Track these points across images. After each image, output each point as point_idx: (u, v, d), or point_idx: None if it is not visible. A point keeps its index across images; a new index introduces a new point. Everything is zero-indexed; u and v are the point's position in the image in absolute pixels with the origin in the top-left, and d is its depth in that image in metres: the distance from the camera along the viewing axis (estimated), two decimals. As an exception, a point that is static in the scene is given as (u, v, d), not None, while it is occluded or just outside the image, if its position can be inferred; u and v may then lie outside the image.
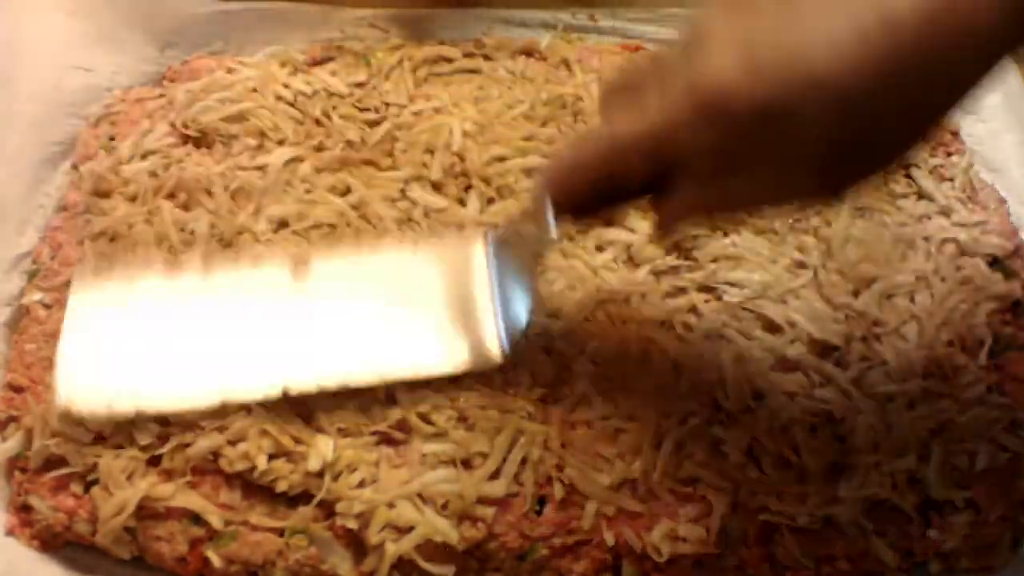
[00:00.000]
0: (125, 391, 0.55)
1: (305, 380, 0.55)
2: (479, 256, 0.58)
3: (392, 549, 0.53)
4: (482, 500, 0.54)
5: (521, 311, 0.55)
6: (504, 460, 0.55)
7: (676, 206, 0.46)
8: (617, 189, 0.47)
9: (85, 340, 0.56)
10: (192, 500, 0.54)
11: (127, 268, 0.60)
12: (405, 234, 0.63)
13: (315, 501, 0.54)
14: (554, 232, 0.49)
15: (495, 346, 0.56)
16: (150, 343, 0.56)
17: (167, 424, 0.55)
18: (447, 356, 0.56)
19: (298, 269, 0.59)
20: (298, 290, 0.58)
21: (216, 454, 0.55)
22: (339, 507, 0.54)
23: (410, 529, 0.53)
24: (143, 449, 0.55)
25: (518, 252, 0.55)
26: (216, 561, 0.54)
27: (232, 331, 0.57)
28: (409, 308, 0.57)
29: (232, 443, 0.54)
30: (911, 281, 0.63)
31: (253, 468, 0.54)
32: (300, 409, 0.56)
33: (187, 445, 0.55)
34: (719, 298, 0.62)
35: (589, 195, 0.48)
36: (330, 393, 0.56)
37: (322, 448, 0.55)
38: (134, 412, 0.54)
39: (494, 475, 0.55)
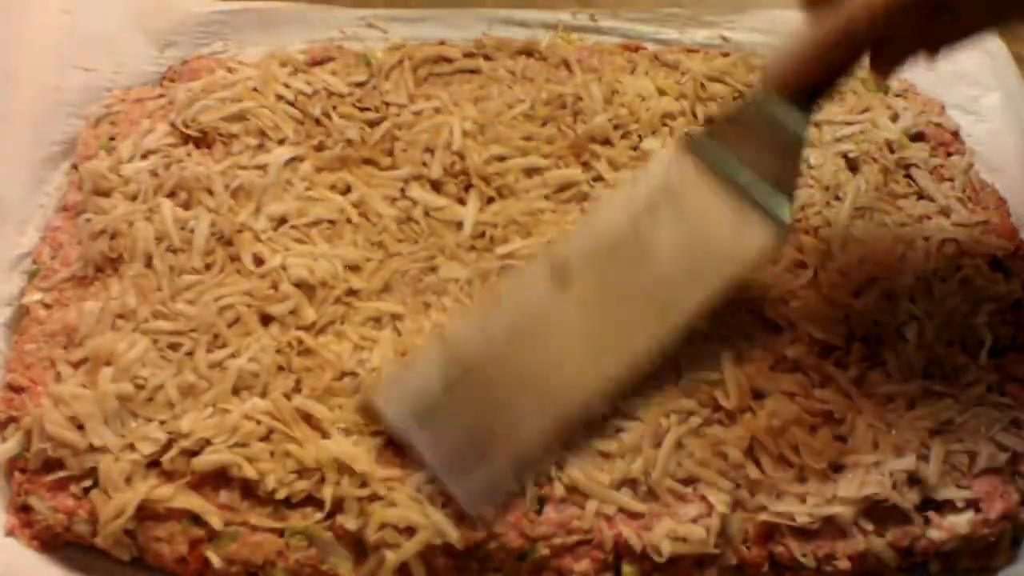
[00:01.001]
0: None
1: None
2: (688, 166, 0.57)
3: (392, 557, 0.53)
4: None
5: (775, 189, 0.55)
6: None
7: (895, 52, 0.53)
8: (847, 63, 0.53)
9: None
10: (192, 501, 0.54)
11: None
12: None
13: (326, 509, 0.54)
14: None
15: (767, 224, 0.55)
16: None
17: (173, 434, 0.56)
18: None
19: (557, 277, 0.57)
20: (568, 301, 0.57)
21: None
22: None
23: (409, 529, 0.53)
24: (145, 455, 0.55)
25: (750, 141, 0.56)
26: (216, 562, 0.54)
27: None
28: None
29: (242, 460, 0.55)
30: (911, 281, 0.63)
31: (260, 481, 0.54)
32: (303, 412, 0.56)
33: (192, 453, 0.55)
34: (719, 298, 0.62)
35: (822, 75, 0.53)
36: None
37: (323, 450, 0.55)
38: None
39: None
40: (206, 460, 0.55)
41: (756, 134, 0.55)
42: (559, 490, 0.55)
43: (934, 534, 0.56)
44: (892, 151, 0.71)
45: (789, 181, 0.56)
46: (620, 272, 0.57)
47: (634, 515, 0.55)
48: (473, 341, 0.56)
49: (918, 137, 0.73)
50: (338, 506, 0.54)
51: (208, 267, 0.62)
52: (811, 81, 0.53)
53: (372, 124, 0.70)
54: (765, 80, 0.55)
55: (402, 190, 0.66)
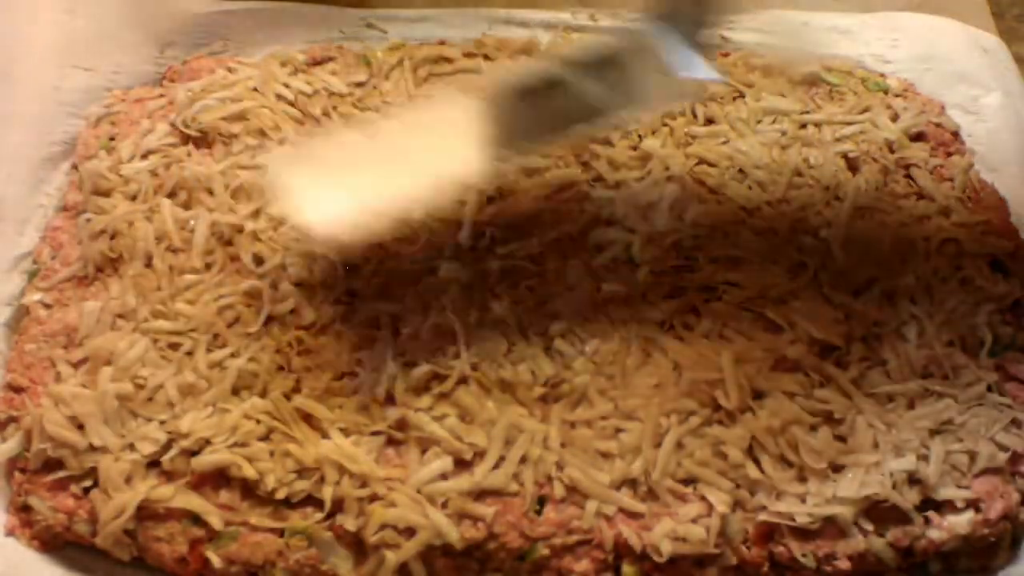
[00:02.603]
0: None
1: None
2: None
3: (392, 557, 0.53)
4: (483, 494, 0.55)
5: None
6: (503, 456, 0.55)
7: None
8: None
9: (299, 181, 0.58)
10: (192, 501, 0.54)
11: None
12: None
13: (326, 509, 0.54)
14: None
15: None
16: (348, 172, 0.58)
17: (173, 434, 0.56)
18: None
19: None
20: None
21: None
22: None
23: (409, 530, 0.53)
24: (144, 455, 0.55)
25: None
26: (216, 562, 0.54)
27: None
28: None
29: (242, 460, 0.55)
30: (911, 281, 0.63)
31: (259, 480, 0.54)
32: (303, 412, 0.57)
33: (192, 452, 0.55)
34: (719, 298, 0.62)
35: None
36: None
37: (323, 450, 0.55)
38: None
39: (493, 468, 0.55)
40: (206, 460, 0.55)
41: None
42: (559, 490, 0.55)
43: (934, 534, 0.56)
44: (892, 151, 0.71)
45: None
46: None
47: (634, 515, 0.55)
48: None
49: (918, 137, 0.73)
50: (338, 506, 0.54)
51: (208, 267, 0.62)
52: None
53: (372, 124, 0.70)
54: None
55: (402, 190, 0.66)
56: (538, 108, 0.59)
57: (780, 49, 0.78)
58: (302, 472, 0.55)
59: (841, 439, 0.57)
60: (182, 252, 0.63)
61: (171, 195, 0.65)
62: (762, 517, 0.55)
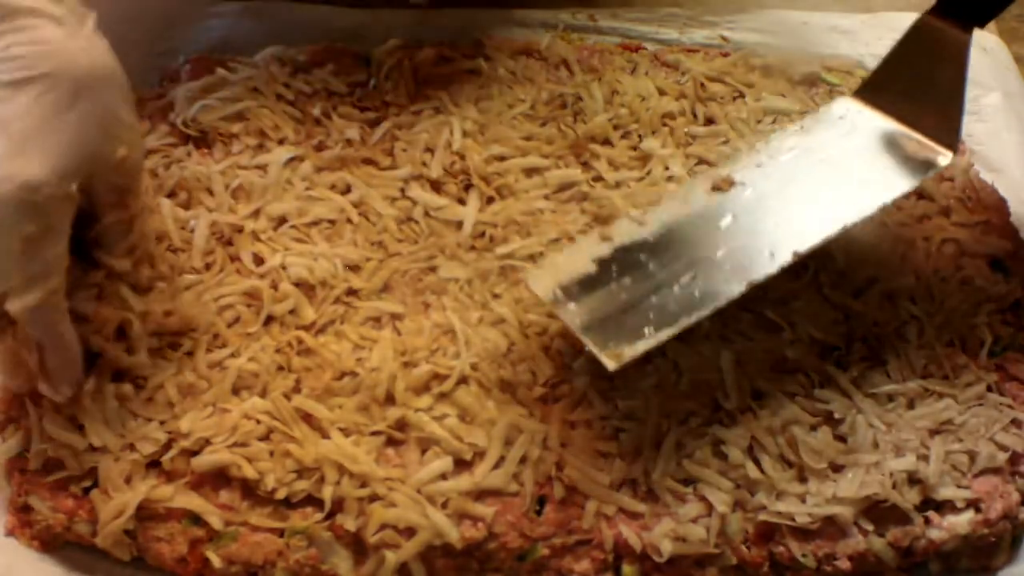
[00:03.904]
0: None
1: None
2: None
3: (392, 557, 0.53)
4: (483, 494, 0.55)
5: None
6: (503, 456, 0.55)
7: None
8: None
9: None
10: (192, 501, 0.54)
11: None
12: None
13: (326, 509, 0.54)
14: None
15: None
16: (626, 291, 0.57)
17: (173, 434, 0.56)
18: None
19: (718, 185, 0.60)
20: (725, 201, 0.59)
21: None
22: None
23: (409, 529, 0.53)
24: (144, 455, 0.55)
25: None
26: (216, 562, 0.54)
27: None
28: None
29: (242, 460, 0.55)
30: (911, 281, 0.63)
31: (259, 480, 0.54)
32: (303, 412, 0.57)
33: (192, 452, 0.55)
34: (719, 298, 0.62)
35: None
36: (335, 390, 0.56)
37: (323, 450, 0.55)
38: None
39: (493, 468, 0.55)
40: (206, 460, 0.55)
41: (915, 71, 0.55)
42: (559, 490, 0.55)
43: (934, 534, 0.56)
44: (892, 151, 0.71)
45: (951, 111, 0.55)
46: (783, 180, 0.59)
47: (634, 515, 0.55)
48: (628, 230, 0.59)
49: (918, 137, 0.73)
50: (338, 506, 0.54)
51: (208, 267, 0.62)
52: None
53: (372, 124, 0.70)
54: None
55: (402, 190, 0.66)
56: None
57: (780, 49, 0.78)
58: (302, 472, 0.55)
59: (841, 439, 0.57)
60: (182, 252, 0.63)
61: (171, 195, 0.65)
62: (762, 517, 0.55)
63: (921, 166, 0.55)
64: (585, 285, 0.57)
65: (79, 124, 0.52)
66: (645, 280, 0.57)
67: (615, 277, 0.57)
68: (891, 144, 0.57)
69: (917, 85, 0.56)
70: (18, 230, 0.50)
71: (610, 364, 0.53)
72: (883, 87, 0.58)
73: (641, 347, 0.54)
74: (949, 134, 0.55)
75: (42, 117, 0.51)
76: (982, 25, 0.54)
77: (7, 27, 0.51)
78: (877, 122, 0.59)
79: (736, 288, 0.56)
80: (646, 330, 0.54)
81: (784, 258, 0.56)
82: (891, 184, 0.58)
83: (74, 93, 0.52)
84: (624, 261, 0.58)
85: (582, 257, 0.58)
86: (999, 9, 0.53)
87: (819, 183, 0.59)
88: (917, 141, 0.55)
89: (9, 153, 0.50)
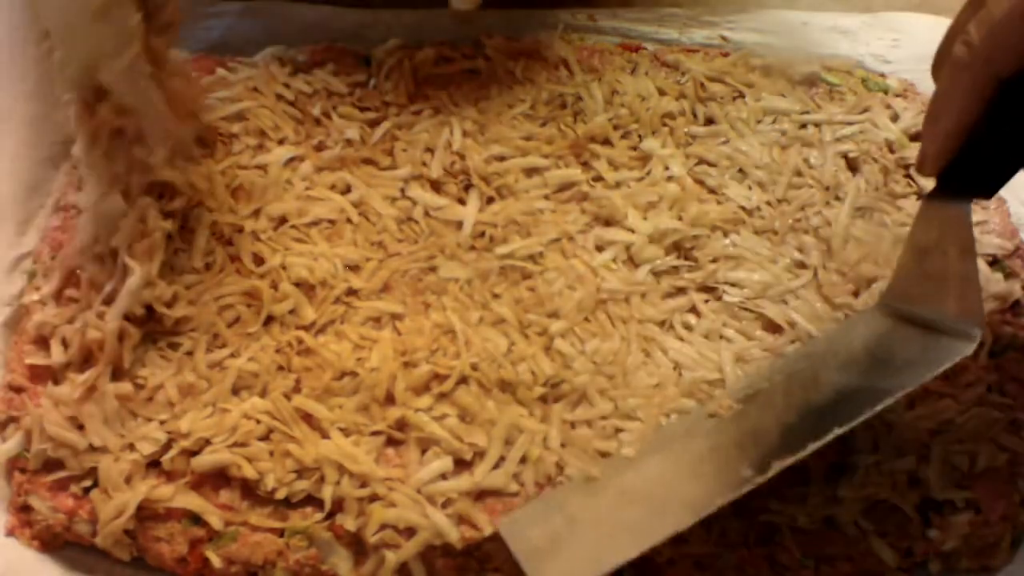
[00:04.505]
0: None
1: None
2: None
3: (392, 557, 0.53)
4: (483, 494, 0.55)
5: None
6: (503, 456, 0.55)
7: None
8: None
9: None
10: (192, 501, 0.54)
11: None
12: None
13: (326, 509, 0.54)
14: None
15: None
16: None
17: (173, 434, 0.56)
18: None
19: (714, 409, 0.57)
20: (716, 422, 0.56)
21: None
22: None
23: (409, 529, 0.53)
24: (144, 455, 0.55)
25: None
26: (216, 562, 0.54)
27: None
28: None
29: (242, 460, 0.55)
30: (911, 281, 0.63)
31: (259, 480, 0.54)
32: (303, 412, 0.57)
33: (192, 452, 0.55)
34: (719, 298, 0.62)
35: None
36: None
37: (323, 450, 0.55)
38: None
39: (493, 468, 0.55)
40: (206, 460, 0.55)
41: (929, 256, 0.54)
42: (559, 490, 0.55)
43: (934, 534, 0.56)
44: (892, 151, 0.71)
45: (970, 290, 0.53)
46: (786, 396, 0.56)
47: (634, 515, 0.55)
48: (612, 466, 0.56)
49: (918, 137, 0.73)
50: (338, 506, 0.54)
51: (208, 267, 0.62)
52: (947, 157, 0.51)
53: (372, 124, 0.70)
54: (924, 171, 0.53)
55: (402, 190, 0.66)
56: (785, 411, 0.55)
57: (780, 49, 0.78)
58: (302, 472, 0.55)
59: (841, 439, 0.57)
60: (182, 252, 0.63)
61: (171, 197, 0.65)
62: (762, 517, 0.55)
63: (954, 348, 0.54)
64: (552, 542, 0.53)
65: None
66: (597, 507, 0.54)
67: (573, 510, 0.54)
68: (919, 337, 0.54)
69: (932, 278, 0.54)
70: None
71: None
72: (901, 294, 0.56)
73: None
74: (974, 313, 0.53)
75: None
76: (988, 197, 0.54)
77: None
78: (902, 330, 0.55)
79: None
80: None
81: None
82: (925, 364, 0.53)
83: None
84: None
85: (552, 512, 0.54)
86: (1004, 180, 0.52)
87: (841, 375, 0.55)
88: (947, 327, 0.54)
89: None
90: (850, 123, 0.72)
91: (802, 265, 0.64)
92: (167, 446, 0.56)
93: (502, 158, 0.68)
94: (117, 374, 0.58)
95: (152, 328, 0.59)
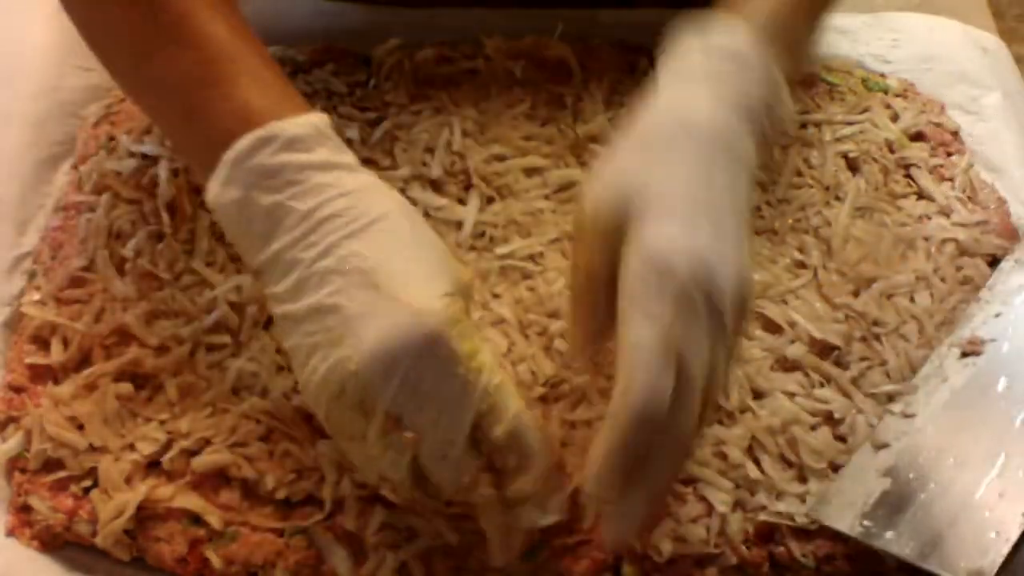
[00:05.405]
0: None
1: None
2: None
3: (392, 558, 0.53)
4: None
5: None
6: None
7: None
8: None
9: None
10: (192, 501, 0.54)
11: None
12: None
13: (326, 509, 0.54)
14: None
15: None
16: None
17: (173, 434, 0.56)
18: None
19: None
20: None
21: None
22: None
23: (409, 530, 0.53)
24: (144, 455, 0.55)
25: None
26: (216, 562, 0.54)
27: None
28: None
29: (242, 460, 0.55)
30: (911, 281, 0.63)
31: (259, 480, 0.54)
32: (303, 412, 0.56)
33: (192, 452, 0.55)
34: (719, 298, 0.62)
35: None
36: None
37: (323, 449, 0.55)
38: None
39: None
40: (206, 460, 0.55)
41: None
42: (559, 490, 0.55)
43: (934, 534, 0.56)
44: (892, 151, 0.71)
45: None
46: None
47: (634, 515, 0.55)
48: (896, 428, 0.55)
49: (918, 137, 0.73)
50: (338, 506, 0.54)
51: (208, 267, 0.62)
52: None
53: (372, 124, 0.70)
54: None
55: (402, 190, 0.66)
56: None
57: (780, 49, 0.78)
58: (302, 472, 0.55)
59: (841, 439, 0.57)
60: (182, 252, 0.62)
61: (171, 196, 0.65)
62: (762, 517, 0.55)
63: None
64: (892, 506, 0.52)
65: None
66: (951, 482, 0.52)
67: (917, 486, 0.52)
68: None
69: None
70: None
71: None
72: None
73: (999, 554, 0.48)
74: None
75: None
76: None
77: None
78: None
79: None
80: (992, 534, 0.49)
81: None
82: None
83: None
84: (916, 464, 0.53)
85: (868, 475, 0.54)
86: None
87: None
88: None
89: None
90: (850, 123, 0.72)
91: (802, 265, 0.64)
92: (167, 446, 0.55)
93: (502, 158, 0.68)
94: (117, 374, 0.58)
95: (152, 328, 0.59)
